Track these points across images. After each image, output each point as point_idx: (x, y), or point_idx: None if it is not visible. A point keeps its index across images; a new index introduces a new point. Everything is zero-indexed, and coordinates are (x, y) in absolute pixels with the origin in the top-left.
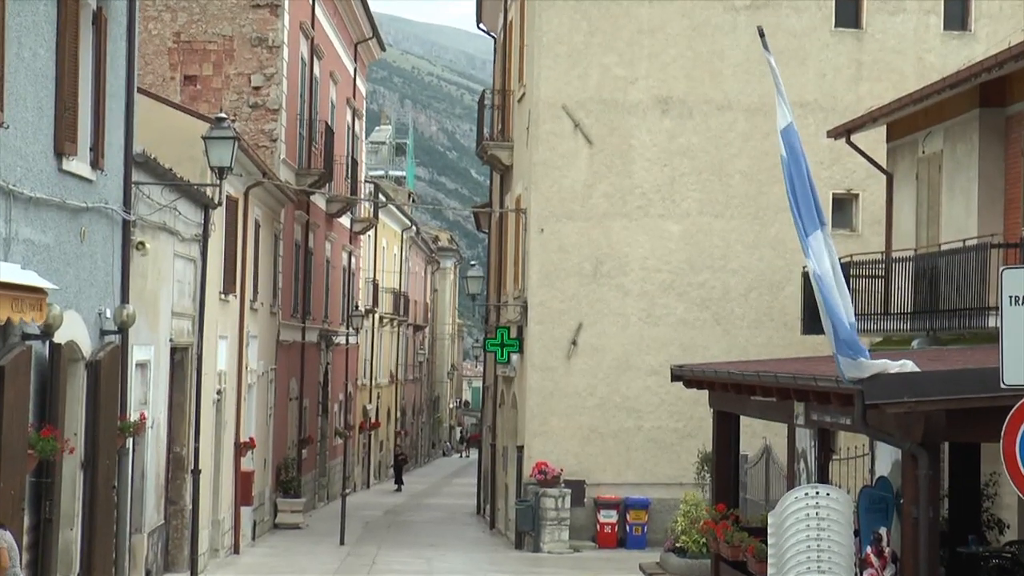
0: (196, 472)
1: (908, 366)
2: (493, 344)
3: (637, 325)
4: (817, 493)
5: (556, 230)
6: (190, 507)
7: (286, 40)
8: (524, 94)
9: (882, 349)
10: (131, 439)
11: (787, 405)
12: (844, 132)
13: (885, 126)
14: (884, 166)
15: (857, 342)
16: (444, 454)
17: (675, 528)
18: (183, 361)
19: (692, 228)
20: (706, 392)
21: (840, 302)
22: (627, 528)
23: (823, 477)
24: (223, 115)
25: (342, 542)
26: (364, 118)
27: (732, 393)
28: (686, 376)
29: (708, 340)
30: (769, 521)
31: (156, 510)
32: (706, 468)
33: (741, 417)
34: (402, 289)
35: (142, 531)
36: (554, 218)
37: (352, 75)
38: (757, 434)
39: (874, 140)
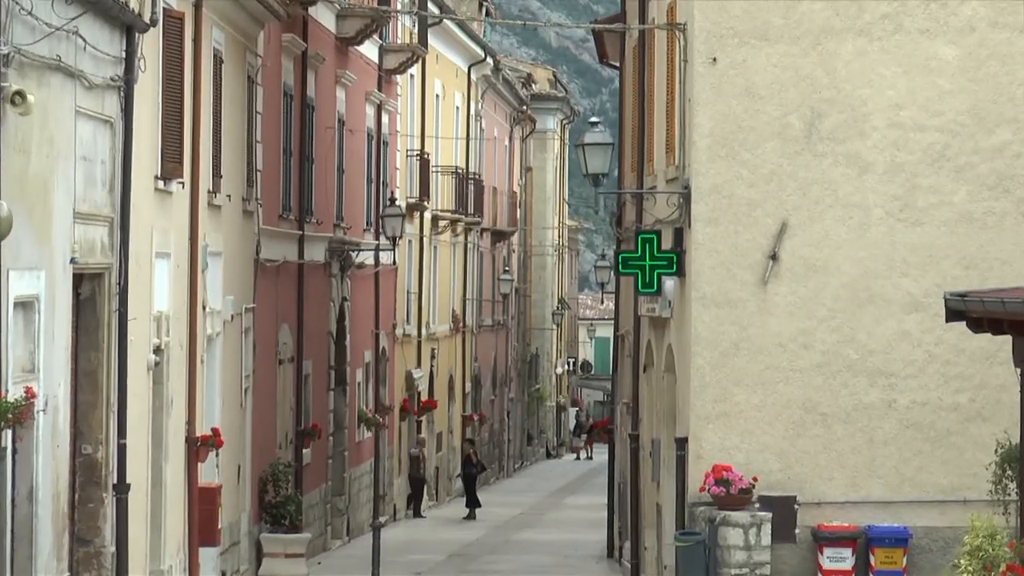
0: (122, 489)
1: None
2: (632, 262)
3: (884, 224)
4: None
5: (740, 60)
6: (112, 549)
7: None
8: None
9: None
10: (9, 432)
11: None
12: None
13: None
14: None
15: None
16: (549, 454)
17: None
18: (95, 298)
19: (980, 52)
20: (1008, 339)
21: None
22: None
23: None
24: None
25: None
26: None
27: None
28: (973, 312)
29: (1011, 250)
30: None
31: (54, 554)
32: (1010, 473)
33: None
34: (471, 169)
35: None
36: (736, 39)
37: None
38: None
39: None
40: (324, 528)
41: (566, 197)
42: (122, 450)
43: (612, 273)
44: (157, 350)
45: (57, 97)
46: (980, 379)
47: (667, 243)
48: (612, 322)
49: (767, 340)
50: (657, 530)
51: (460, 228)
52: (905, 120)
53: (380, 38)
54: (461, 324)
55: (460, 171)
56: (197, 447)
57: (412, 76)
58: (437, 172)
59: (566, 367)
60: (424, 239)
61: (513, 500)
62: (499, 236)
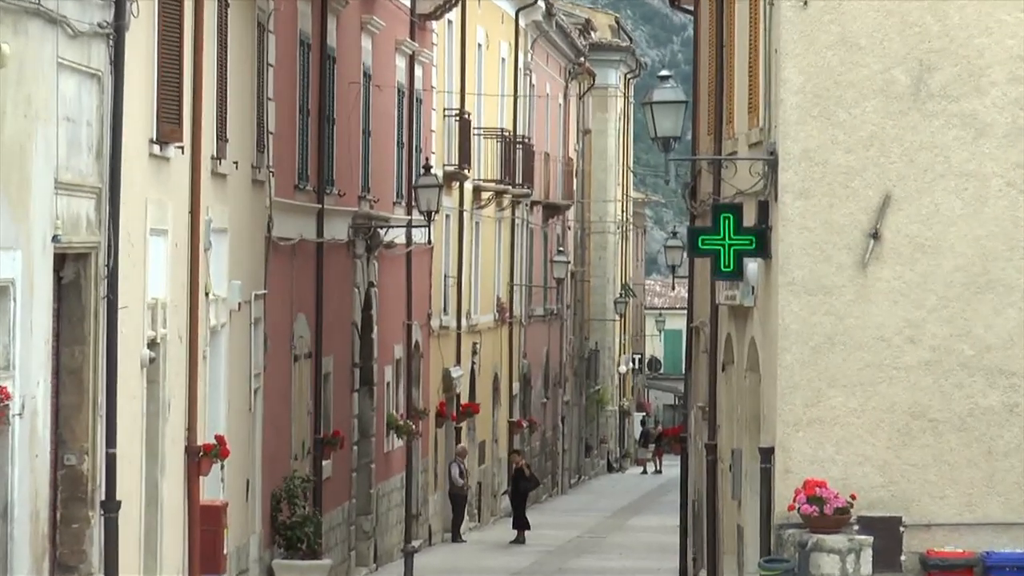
0: (111, 507)
1: None
2: (709, 241)
3: (1005, 196)
4: None
5: (836, 3)
6: None
7: None
8: None
9: None
10: None
11: None
12: None
13: None
14: None
15: None
16: (611, 467)
17: None
18: (80, 282)
19: None
20: None
21: None
22: None
23: None
24: None
25: None
26: None
27: None
28: None
29: None
30: None
31: None
32: None
33: None
34: (519, 131)
35: None
36: None
37: None
38: None
39: None
40: (347, 553)
41: (631, 165)
42: (111, 461)
43: (685, 254)
44: (152, 344)
45: (36, 47)
46: None
47: (750, 219)
48: (684, 312)
49: (867, 333)
50: (738, 557)
51: (506, 201)
52: None
53: None
54: (507, 314)
55: (507, 134)
56: (198, 458)
57: (450, 22)
58: (479, 135)
59: (630, 365)
60: (464, 214)
61: (569, 521)
62: (552, 210)
